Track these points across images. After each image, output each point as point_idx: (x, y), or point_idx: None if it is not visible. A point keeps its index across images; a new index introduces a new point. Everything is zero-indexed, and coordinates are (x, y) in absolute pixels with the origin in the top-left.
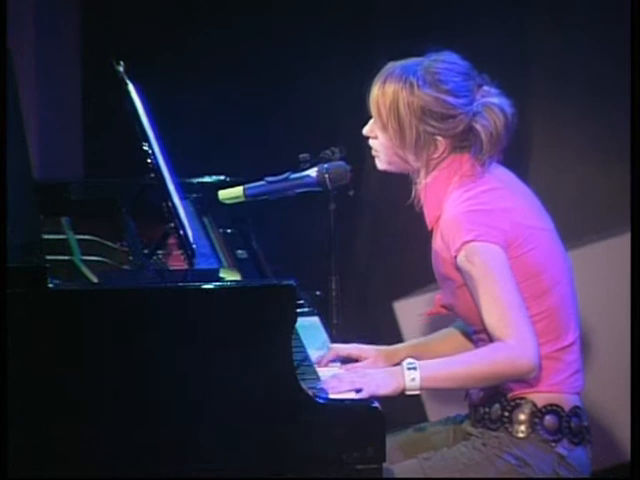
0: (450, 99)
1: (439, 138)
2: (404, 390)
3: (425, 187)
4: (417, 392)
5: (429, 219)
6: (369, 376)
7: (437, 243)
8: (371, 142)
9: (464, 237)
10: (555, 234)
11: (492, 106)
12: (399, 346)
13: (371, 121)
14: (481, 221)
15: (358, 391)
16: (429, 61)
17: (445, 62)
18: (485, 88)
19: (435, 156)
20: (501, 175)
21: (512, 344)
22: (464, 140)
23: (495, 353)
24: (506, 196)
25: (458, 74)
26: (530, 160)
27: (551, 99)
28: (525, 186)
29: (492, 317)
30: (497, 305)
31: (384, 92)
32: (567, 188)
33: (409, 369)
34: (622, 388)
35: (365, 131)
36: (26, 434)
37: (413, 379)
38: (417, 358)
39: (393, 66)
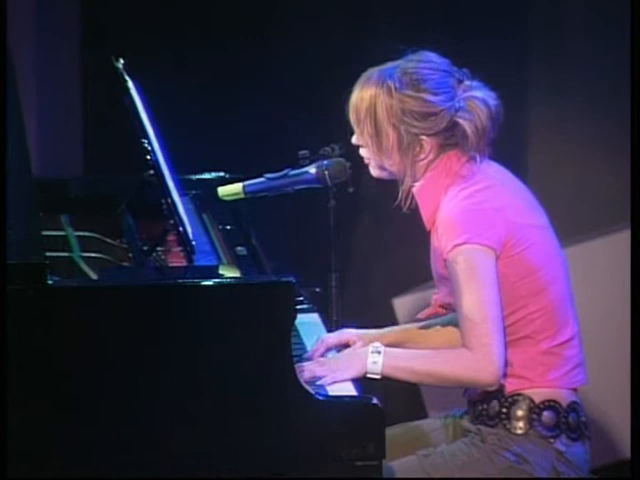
0: (430, 97)
1: (424, 137)
2: (366, 373)
3: (420, 189)
4: (377, 376)
5: (426, 220)
6: (329, 363)
7: (435, 243)
8: (361, 151)
9: (455, 240)
10: (550, 231)
11: (474, 99)
12: (386, 330)
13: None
14: (475, 222)
15: (320, 379)
16: (406, 62)
17: (422, 61)
18: (466, 83)
19: (422, 157)
20: (495, 172)
21: (477, 356)
22: (450, 137)
23: (458, 360)
24: (501, 194)
25: (436, 71)
26: (529, 156)
27: (551, 93)
28: (520, 182)
29: (465, 324)
30: (473, 314)
31: (362, 97)
32: (567, 183)
33: (373, 352)
34: (621, 384)
35: (353, 140)
36: (25, 432)
37: (375, 362)
38: (403, 344)
39: (371, 72)
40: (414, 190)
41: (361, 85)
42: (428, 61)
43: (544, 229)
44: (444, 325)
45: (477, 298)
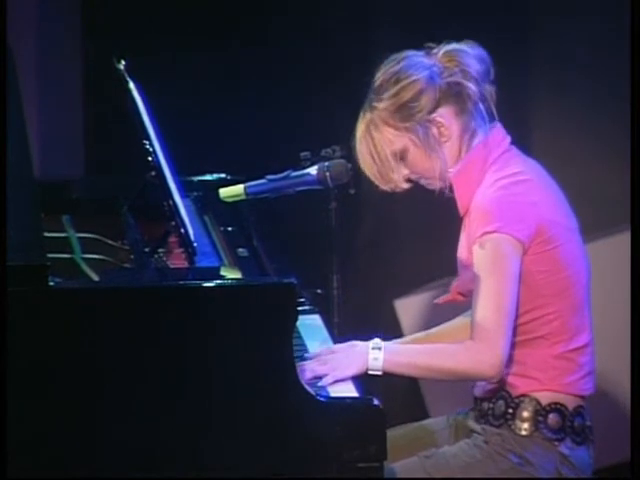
0: (406, 80)
1: (432, 115)
2: (367, 369)
3: (457, 175)
4: (379, 372)
5: (461, 207)
6: (330, 361)
7: (465, 229)
8: (411, 178)
9: (486, 227)
10: (578, 235)
11: (447, 54)
12: (398, 341)
13: None
14: (509, 213)
15: (322, 377)
16: (373, 81)
17: (382, 69)
18: (435, 50)
19: (447, 133)
20: (533, 168)
21: (481, 348)
22: (457, 98)
23: (462, 353)
24: (537, 189)
25: (399, 62)
26: (531, 155)
27: (551, 94)
28: (554, 182)
29: (477, 313)
30: (488, 303)
31: (360, 141)
32: (568, 185)
33: (374, 348)
34: (621, 385)
35: (403, 186)
36: (26, 433)
37: (376, 359)
38: None
39: (355, 128)
40: (450, 176)
41: (355, 139)
42: (387, 64)
43: (573, 231)
44: (454, 327)
45: (496, 289)
